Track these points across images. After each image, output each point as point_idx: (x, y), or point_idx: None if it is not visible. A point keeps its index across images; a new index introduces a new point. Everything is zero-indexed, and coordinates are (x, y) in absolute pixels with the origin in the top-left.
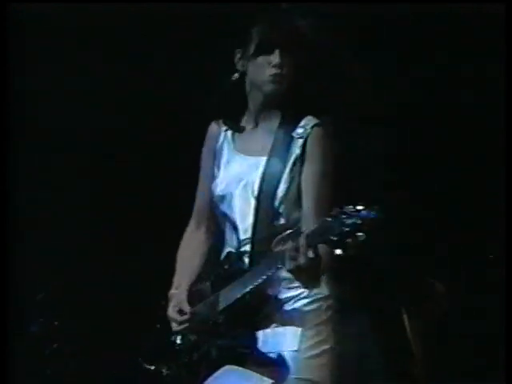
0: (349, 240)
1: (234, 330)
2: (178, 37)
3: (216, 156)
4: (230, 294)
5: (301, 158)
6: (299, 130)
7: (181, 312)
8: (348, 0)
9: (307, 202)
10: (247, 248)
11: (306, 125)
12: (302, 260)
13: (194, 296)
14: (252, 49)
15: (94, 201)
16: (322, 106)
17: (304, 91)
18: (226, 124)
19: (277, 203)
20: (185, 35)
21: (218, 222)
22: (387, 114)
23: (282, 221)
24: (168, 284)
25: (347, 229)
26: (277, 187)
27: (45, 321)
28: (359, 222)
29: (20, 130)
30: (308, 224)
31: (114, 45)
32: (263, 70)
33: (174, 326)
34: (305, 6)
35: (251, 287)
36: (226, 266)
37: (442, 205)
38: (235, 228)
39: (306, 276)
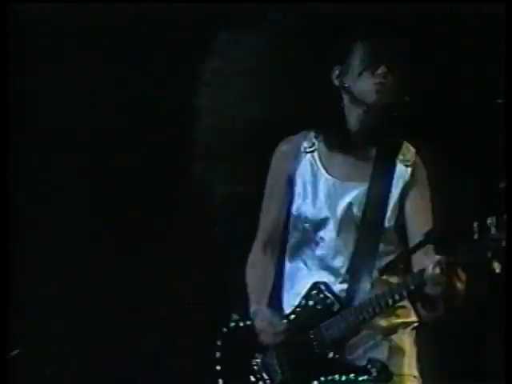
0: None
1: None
2: (177, 37)
3: (296, 178)
4: (339, 325)
5: (409, 185)
6: (402, 157)
7: (274, 324)
8: (348, 0)
9: (418, 226)
10: (343, 272)
11: (408, 151)
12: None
13: None
14: (356, 63)
15: (94, 201)
16: (416, 128)
17: (398, 112)
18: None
19: (385, 230)
20: (185, 35)
21: (296, 244)
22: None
23: (385, 248)
24: (168, 284)
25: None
26: (384, 214)
27: (45, 321)
28: None
29: (20, 130)
30: (420, 249)
31: (114, 45)
32: (367, 81)
33: (267, 339)
34: (305, 5)
35: (367, 317)
36: (320, 296)
37: (442, 204)
38: (327, 254)
39: (449, 299)
